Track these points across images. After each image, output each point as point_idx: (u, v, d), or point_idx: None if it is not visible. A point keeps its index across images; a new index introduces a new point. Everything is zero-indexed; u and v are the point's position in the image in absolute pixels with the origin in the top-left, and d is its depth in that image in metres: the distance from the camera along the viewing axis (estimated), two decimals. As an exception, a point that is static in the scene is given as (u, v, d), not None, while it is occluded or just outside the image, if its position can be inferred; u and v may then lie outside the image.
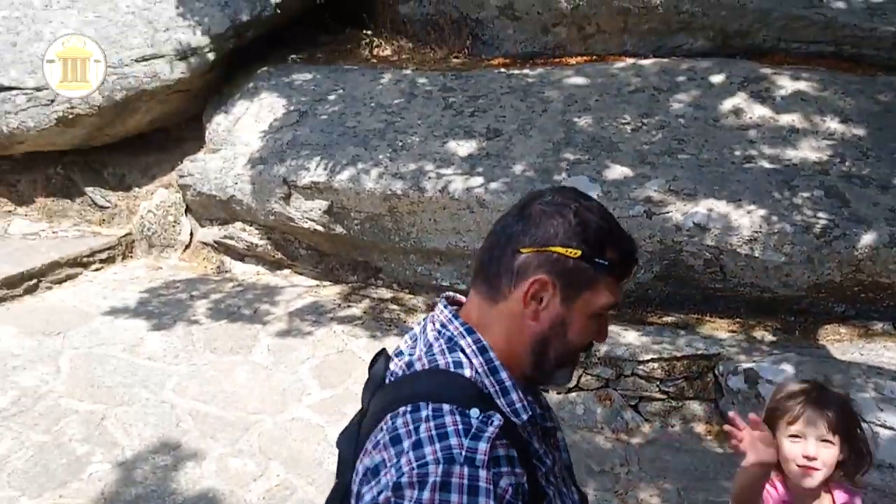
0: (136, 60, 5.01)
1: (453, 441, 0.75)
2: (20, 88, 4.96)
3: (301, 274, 4.92)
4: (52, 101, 4.91)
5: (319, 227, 4.62)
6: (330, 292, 4.58)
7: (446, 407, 0.78)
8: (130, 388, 3.28)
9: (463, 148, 4.48)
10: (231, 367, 3.53)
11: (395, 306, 4.33)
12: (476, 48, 5.82)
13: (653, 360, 3.36)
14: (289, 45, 5.99)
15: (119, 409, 3.16)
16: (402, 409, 0.80)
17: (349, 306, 4.33)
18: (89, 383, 3.30)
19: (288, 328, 4.01)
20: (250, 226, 4.94)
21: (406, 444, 0.76)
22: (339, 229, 4.59)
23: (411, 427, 0.77)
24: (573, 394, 3.35)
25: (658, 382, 3.37)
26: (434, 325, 0.92)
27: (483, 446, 0.75)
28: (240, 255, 5.10)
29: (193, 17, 5.21)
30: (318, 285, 4.73)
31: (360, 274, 4.81)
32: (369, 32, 6.27)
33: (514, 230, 0.89)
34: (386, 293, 4.51)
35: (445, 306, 0.94)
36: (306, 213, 4.60)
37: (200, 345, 3.74)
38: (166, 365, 3.51)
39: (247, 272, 4.95)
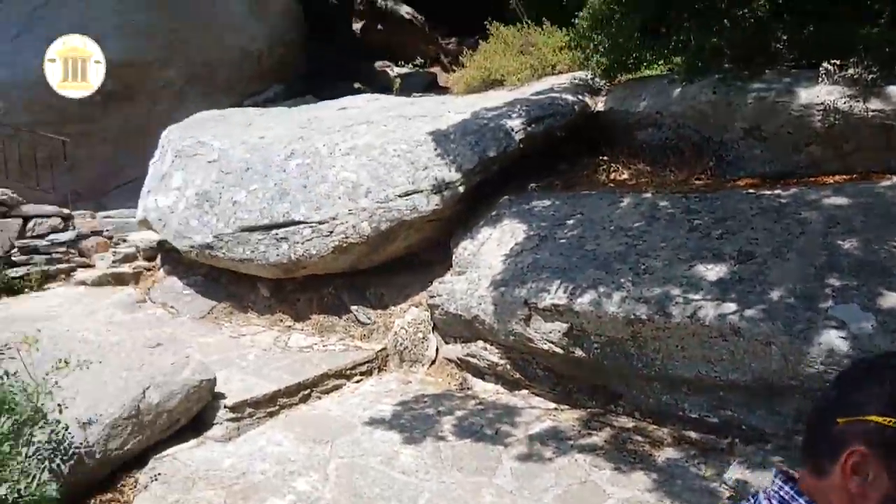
0: (399, 195, 5.68)
1: None
2: (307, 222, 5.85)
3: (539, 395, 4.96)
4: (331, 232, 5.71)
5: (558, 350, 4.67)
6: (568, 417, 4.55)
7: None
8: (388, 500, 3.50)
9: (712, 272, 4.32)
10: (477, 489, 3.62)
11: (638, 437, 4.16)
12: (719, 169, 5.70)
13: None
14: (529, 174, 6.38)
15: (378, 520, 3.38)
16: None
17: (590, 434, 4.25)
18: (352, 492, 3.59)
19: (529, 452, 4.03)
20: (491, 345, 5.16)
21: None
22: (578, 352, 4.60)
23: None
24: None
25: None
26: (771, 502, 0.91)
27: None
28: (480, 373, 5.31)
29: (448, 157, 5.82)
30: (556, 408, 4.73)
31: (599, 399, 4.72)
32: (606, 158, 6.46)
33: (830, 399, 0.87)
34: (628, 422, 4.36)
35: (784, 482, 0.92)
36: (546, 334, 4.69)
37: (448, 462, 3.90)
38: (419, 480, 3.70)
39: (487, 390, 5.12)
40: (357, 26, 16.84)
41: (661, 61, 6.75)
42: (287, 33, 11.70)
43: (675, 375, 4.21)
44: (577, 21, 7.00)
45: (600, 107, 6.84)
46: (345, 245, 5.73)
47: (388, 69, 15.69)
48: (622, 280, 4.49)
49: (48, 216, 7.66)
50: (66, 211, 7.89)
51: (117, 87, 9.79)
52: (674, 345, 4.15)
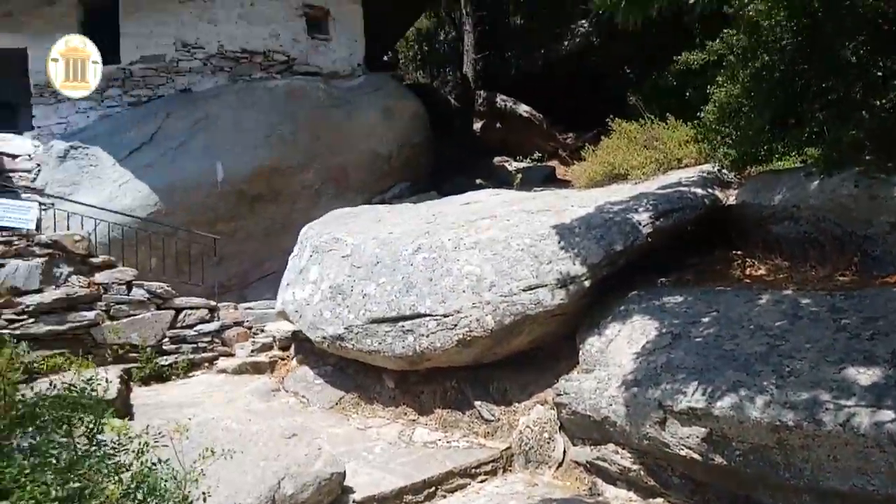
0: (524, 290, 5.70)
1: None
2: (432, 315, 5.97)
3: (675, 504, 4.64)
4: (456, 325, 5.79)
5: (696, 456, 4.38)
6: (710, 530, 4.20)
7: None
8: None
9: (864, 376, 3.96)
10: None
11: (792, 558, 3.75)
12: (865, 265, 5.32)
13: None
14: (657, 268, 6.22)
15: None
16: None
17: (735, 550, 3.89)
18: None
19: (668, 568, 3.73)
20: (623, 448, 4.92)
21: None
22: (718, 459, 4.29)
23: None
24: None
25: None
26: None
27: None
28: (611, 478, 5.04)
29: (573, 250, 5.82)
30: (695, 520, 4.38)
31: (743, 511, 4.34)
32: (739, 252, 6.21)
33: None
34: (778, 539, 3.95)
35: None
36: (682, 439, 4.43)
37: (581, 575, 3.69)
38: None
39: (619, 497, 4.85)
40: (477, 125, 17.61)
41: (794, 153, 6.53)
42: (414, 135, 12.41)
43: (827, 487, 3.83)
44: (702, 115, 6.95)
45: (731, 200, 6.66)
46: (468, 338, 5.77)
47: (506, 164, 16.15)
48: (765, 383, 4.20)
49: (197, 308, 8.31)
50: (212, 303, 8.53)
51: (264, 190, 10.72)
52: (825, 454, 3.79)
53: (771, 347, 4.52)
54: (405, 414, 6.36)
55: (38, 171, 10.42)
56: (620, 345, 5.34)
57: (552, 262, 5.82)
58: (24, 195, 9.53)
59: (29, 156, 10.57)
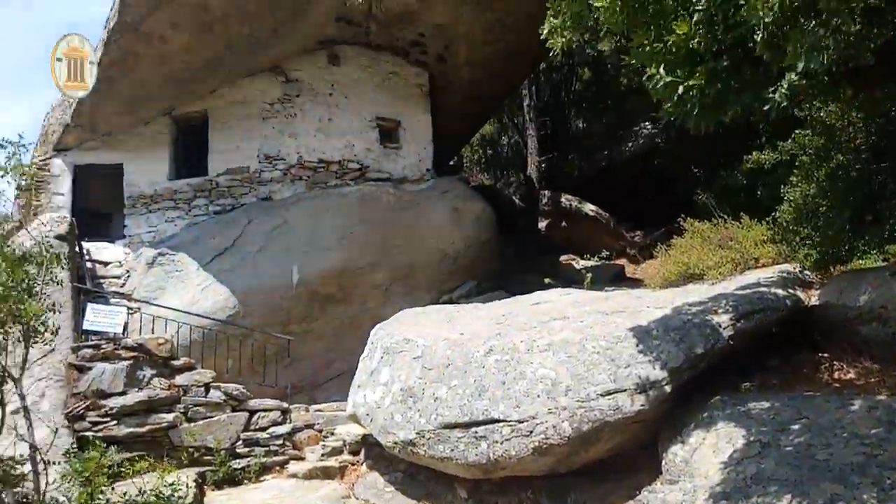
0: (601, 395, 5.55)
1: None
2: (506, 421, 5.85)
3: None
4: (531, 432, 5.65)
5: (799, 580, 4.03)
6: None
7: None
8: None
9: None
10: None
11: None
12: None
13: None
14: (739, 371, 5.99)
15: None
16: None
17: None
18: None
19: None
20: (716, 569, 4.57)
21: None
22: (824, 585, 3.93)
23: None
24: None
25: None
26: None
27: None
28: None
29: (651, 353, 5.68)
30: None
31: None
32: (826, 355, 5.95)
33: None
34: None
35: None
36: (781, 560, 4.10)
37: None
38: None
39: None
40: (542, 224, 17.81)
41: (875, 250, 6.34)
42: (480, 235, 12.63)
43: None
44: (776, 214, 6.87)
45: (814, 300, 6.44)
46: (544, 446, 5.60)
47: (573, 262, 16.14)
48: (865, 496, 3.92)
49: (270, 410, 8.42)
50: (284, 405, 8.62)
51: (335, 291, 11.03)
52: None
53: (868, 457, 4.23)
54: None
55: (128, 276, 11.05)
56: (706, 454, 5.08)
57: (630, 366, 5.67)
58: (113, 300, 10.09)
59: (119, 262, 11.26)
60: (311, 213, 11.51)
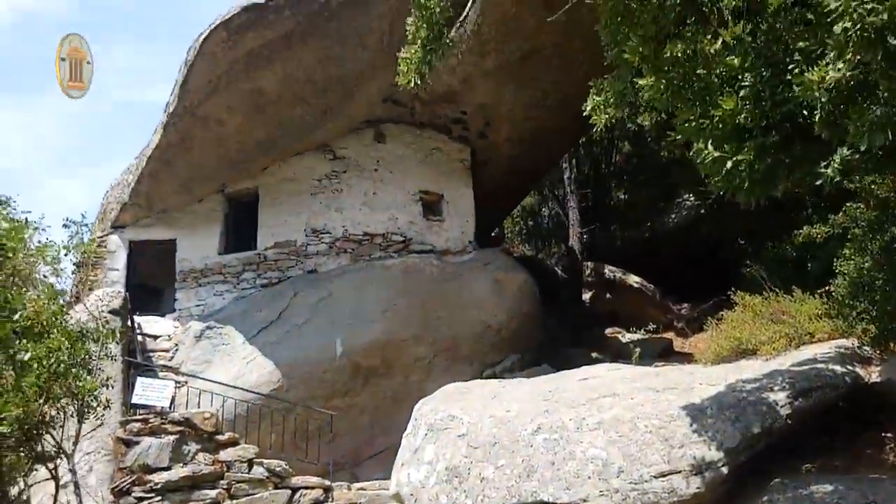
0: (655, 476, 5.33)
1: None
2: None
3: None
4: (582, 516, 5.42)
5: None
6: None
7: None
8: None
9: None
10: None
11: None
12: None
13: None
14: (798, 451, 5.72)
15: None
16: None
17: None
18: None
19: None
20: None
21: None
22: None
23: None
24: None
25: None
26: None
27: None
28: None
29: (706, 433, 5.46)
30: None
31: None
32: (890, 435, 5.67)
33: None
34: None
35: None
36: None
37: None
38: None
39: None
40: (586, 296, 17.63)
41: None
42: (523, 307, 12.53)
43: None
44: (831, 288, 6.69)
45: (875, 377, 6.19)
46: (602, 532, 5.36)
47: (619, 335, 15.86)
48: None
49: (312, 487, 8.31)
50: (327, 482, 8.50)
51: (378, 364, 10.99)
52: None
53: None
54: None
55: (176, 350, 11.24)
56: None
57: (684, 446, 5.46)
58: (161, 373, 10.25)
59: (168, 336, 11.49)
60: (355, 286, 11.64)
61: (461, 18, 5.96)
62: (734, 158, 4.05)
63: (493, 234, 18.12)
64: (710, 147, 4.19)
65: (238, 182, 12.63)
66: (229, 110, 10.77)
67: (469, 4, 9.44)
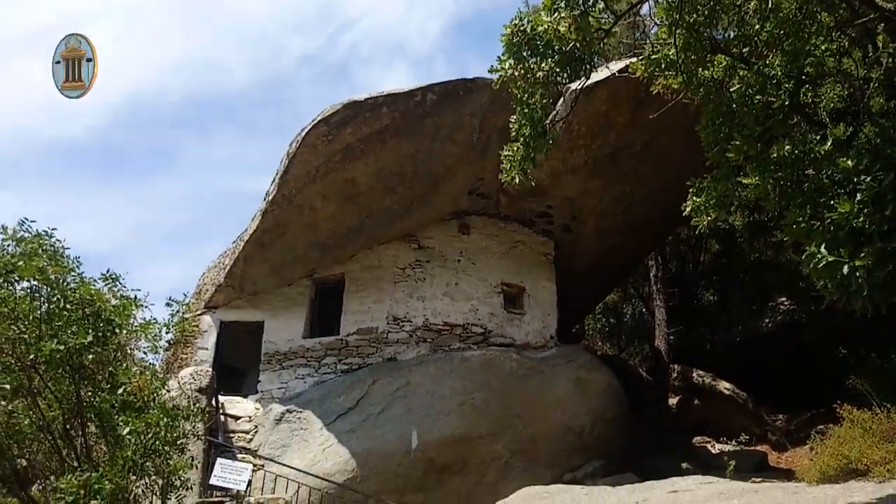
0: None
1: None
2: None
3: None
4: None
5: None
6: None
7: None
8: None
9: None
10: None
11: None
12: None
13: None
14: None
15: None
16: None
17: None
18: None
19: None
20: None
21: None
22: None
23: None
24: None
25: None
26: None
27: None
28: None
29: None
30: None
31: None
32: None
33: None
34: None
35: None
36: None
37: None
38: None
39: None
40: (672, 401, 16.76)
41: None
42: (607, 409, 12.00)
43: None
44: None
45: None
46: None
47: (708, 445, 14.87)
48: None
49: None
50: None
51: (452, 460, 10.64)
52: None
53: None
54: None
55: (255, 432, 11.31)
56: None
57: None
58: (239, 455, 10.27)
59: (249, 417, 11.60)
60: (432, 376, 11.48)
61: (549, 116, 6.06)
62: (851, 263, 3.82)
63: (573, 329, 17.71)
64: (822, 250, 3.99)
65: (326, 268, 12.97)
66: (324, 199, 11.22)
67: (560, 102, 9.68)
